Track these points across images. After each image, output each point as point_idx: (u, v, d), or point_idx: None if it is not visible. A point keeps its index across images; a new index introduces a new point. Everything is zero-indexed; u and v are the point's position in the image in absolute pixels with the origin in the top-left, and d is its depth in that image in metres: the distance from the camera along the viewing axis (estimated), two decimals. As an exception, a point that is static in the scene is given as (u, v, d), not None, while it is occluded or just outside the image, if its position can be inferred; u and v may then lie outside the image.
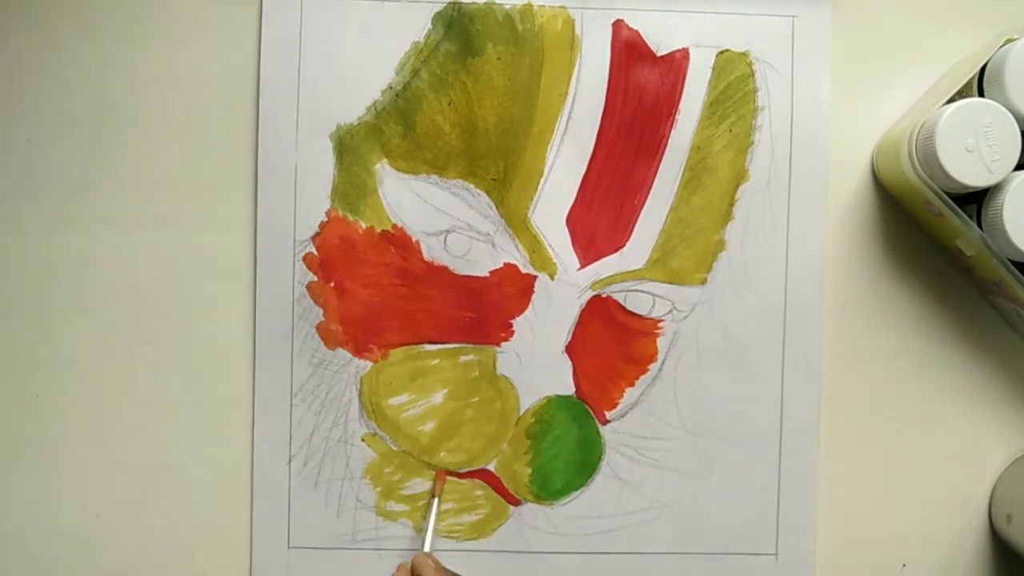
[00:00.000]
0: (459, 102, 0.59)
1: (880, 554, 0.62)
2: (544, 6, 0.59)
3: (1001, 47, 0.54)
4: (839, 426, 0.61)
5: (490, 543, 0.60)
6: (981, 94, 0.55)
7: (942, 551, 0.62)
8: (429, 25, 0.59)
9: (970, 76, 0.55)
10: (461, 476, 0.60)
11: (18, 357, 0.60)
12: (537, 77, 0.59)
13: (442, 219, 0.59)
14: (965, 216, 0.55)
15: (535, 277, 0.60)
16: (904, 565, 0.62)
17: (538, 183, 0.59)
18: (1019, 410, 0.62)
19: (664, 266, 0.60)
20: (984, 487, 0.62)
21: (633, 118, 0.59)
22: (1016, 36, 0.54)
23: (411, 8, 0.59)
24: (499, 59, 0.59)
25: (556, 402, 0.60)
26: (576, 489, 0.61)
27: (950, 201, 0.54)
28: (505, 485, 0.60)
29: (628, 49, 0.59)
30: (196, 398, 0.61)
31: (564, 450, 0.60)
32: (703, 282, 0.60)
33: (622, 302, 0.60)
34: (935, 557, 0.62)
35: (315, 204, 0.59)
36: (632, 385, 0.60)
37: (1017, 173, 0.54)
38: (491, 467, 0.60)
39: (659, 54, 0.59)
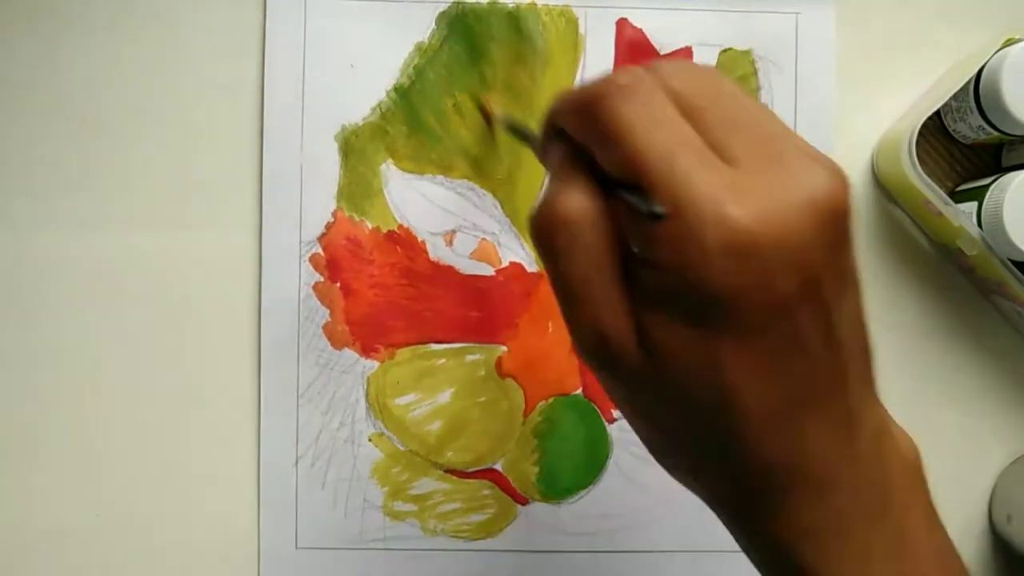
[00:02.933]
0: (464, 102, 0.59)
1: (881, 554, 0.62)
2: (548, 5, 0.59)
3: (1000, 48, 0.54)
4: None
5: (498, 543, 0.60)
6: (977, 95, 0.55)
7: (942, 551, 0.62)
8: (433, 25, 0.59)
9: (969, 77, 0.55)
10: (468, 476, 0.60)
11: (20, 358, 0.60)
12: (542, 76, 0.59)
13: (448, 219, 0.59)
14: (965, 216, 0.55)
15: (541, 276, 0.60)
16: (904, 565, 0.62)
17: (543, 182, 0.59)
18: (1019, 410, 0.62)
19: (669, 264, 0.60)
20: (984, 487, 0.62)
21: (637, 117, 0.59)
22: (1019, 36, 0.54)
23: (415, 8, 0.59)
24: (503, 58, 0.59)
25: (563, 401, 0.60)
26: (584, 488, 0.61)
27: (950, 200, 0.55)
28: (512, 484, 0.60)
29: (632, 48, 0.59)
30: (202, 399, 0.60)
31: (571, 449, 0.60)
32: (709, 280, 0.60)
33: (627, 300, 0.60)
34: (935, 557, 0.62)
35: (321, 205, 0.59)
36: (639, 383, 0.60)
37: (1017, 173, 0.54)
38: (498, 467, 0.60)
39: (663, 53, 0.60)
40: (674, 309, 0.32)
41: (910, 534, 0.38)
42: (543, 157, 0.39)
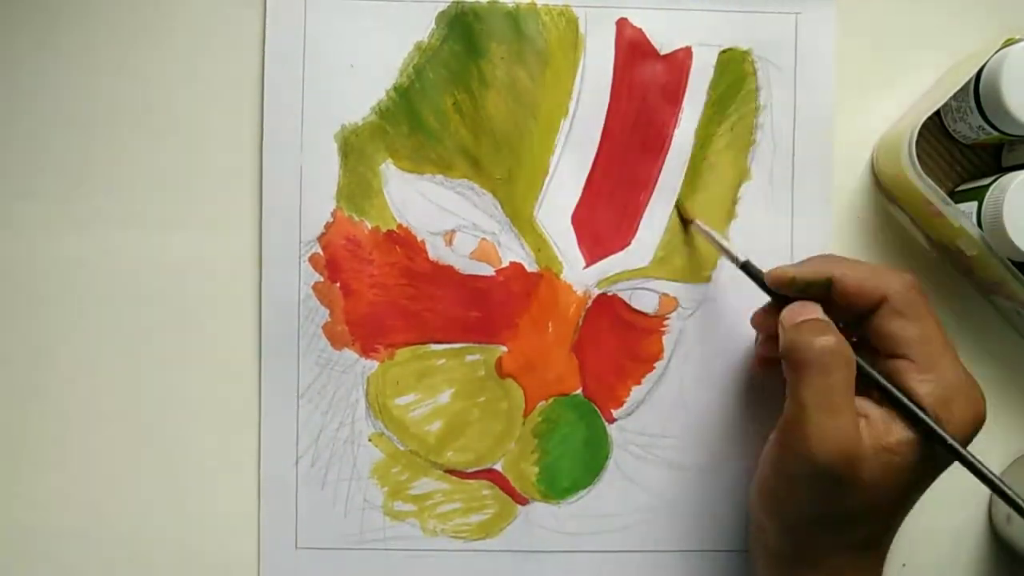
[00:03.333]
0: (463, 101, 0.59)
1: (880, 554, 0.62)
2: (548, 5, 0.59)
3: (1000, 48, 0.54)
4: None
5: (498, 543, 0.60)
6: (977, 95, 0.55)
7: (942, 551, 0.62)
8: (433, 24, 0.59)
9: (969, 77, 0.55)
10: (468, 476, 0.60)
11: (20, 358, 0.60)
12: (541, 76, 0.59)
13: (447, 218, 0.59)
14: (965, 216, 0.55)
15: (541, 276, 0.59)
16: (904, 565, 0.62)
17: (543, 182, 0.59)
18: (1019, 410, 0.62)
19: (669, 263, 0.60)
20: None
21: (637, 116, 0.59)
22: (1019, 36, 0.54)
23: (414, 8, 0.59)
24: (503, 58, 0.59)
25: (563, 401, 0.60)
26: (583, 488, 0.61)
27: (950, 200, 0.55)
28: (512, 484, 0.60)
29: (632, 48, 0.59)
30: (202, 400, 0.60)
31: (571, 449, 0.60)
32: (708, 279, 0.60)
33: (628, 300, 0.60)
34: (935, 557, 0.62)
35: (320, 205, 0.59)
36: (639, 383, 0.60)
37: (1017, 173, 0.54)
38: (498, 467, 0.60)
39: (662, 52, 0.60)
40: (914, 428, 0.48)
41: None
42: (769, 292, 0.55)
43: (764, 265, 0.57)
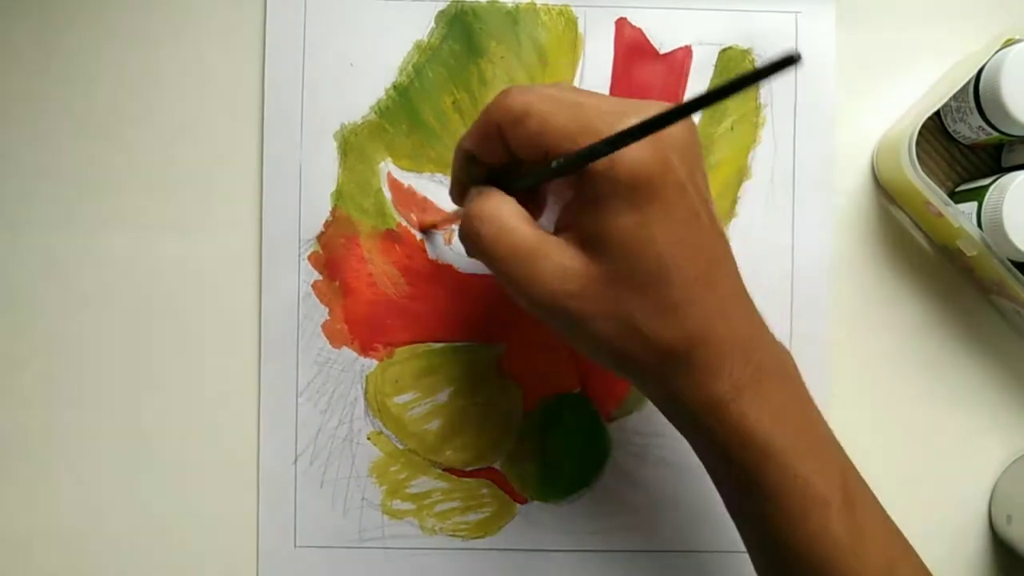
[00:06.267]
0: (463, 100, 0.59)
1: (880, 555, 0.62)
2: (547, 4, 0.59)
3: (1000, 48, 0.54)
4: (837, 426, 0.61)
5: (496, 541, 0.60)
6: (977, 95, 0.55)
7: (942, 551, 0.62)
8: (432, 23, 0.59)
9: (969, 77, 0.55)
10: (467, 475, 0.60)
11: (19, 358, 0.60)
12: (541, 75, 0.59)
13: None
14: (965, 216, 0.55)
15: (541, 275, 0.59)
16: (904, 565, 0.62)
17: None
18: (1019, 410, 0.62)
19: (668, 264, 0.60)
20: (984, 487, 0.62)
21: (637, 116, 0.59)
22: (1018, 36, 0.54)
23: (414, 7, 0.59)
24: (503, 57, 0.59)
25: (562, 400, 0.60)
26: (582, 487, 0.60)
27: (950, 201, 0.55)
28: (511, 483, 0.60)
29: (631, 47, 0.59)
30: (201, 398, 0.60)
31: (570, 448, 0.60)
32: (708, 279, 0.60)
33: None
34: (935, 557, 0.61)
35: (320, 203, 0.59)
36: (638, 383, 0.60)
37: (1017, 173, 0.54)
38: (497, 465, 0.60)
39: (662, 52, 0.60)
40: (617, 202, 0.42)
41: (807, 397, 0.48)
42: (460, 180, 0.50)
43: (764, 264, 0.57)
